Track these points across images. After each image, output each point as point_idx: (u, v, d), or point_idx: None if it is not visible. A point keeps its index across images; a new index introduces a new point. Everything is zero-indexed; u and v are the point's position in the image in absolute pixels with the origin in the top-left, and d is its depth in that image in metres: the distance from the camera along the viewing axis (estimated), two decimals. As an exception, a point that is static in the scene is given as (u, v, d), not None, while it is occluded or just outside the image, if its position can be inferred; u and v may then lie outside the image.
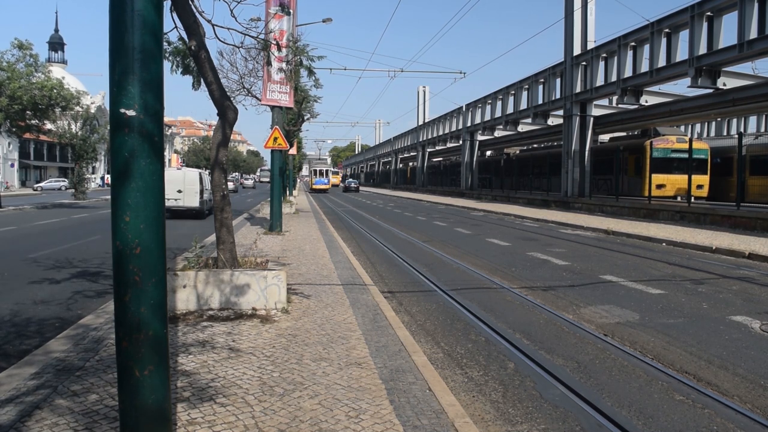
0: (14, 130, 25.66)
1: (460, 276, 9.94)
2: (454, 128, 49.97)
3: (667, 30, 22.15)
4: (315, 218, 21.85)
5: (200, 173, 22.73)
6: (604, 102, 29.56)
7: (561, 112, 30.28)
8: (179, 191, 21.55)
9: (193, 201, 21.72)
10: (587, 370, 5.15)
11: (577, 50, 28.13)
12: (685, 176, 20.17)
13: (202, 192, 21.96)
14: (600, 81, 26.59)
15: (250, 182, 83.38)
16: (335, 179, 76.44)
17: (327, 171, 64.64)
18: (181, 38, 6.67)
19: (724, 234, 15.47)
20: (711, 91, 21.72)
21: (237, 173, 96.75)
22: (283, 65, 12.52)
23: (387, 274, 10.15)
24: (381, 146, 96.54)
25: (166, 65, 7.63)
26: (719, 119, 38.37)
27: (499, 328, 6.47)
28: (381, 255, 12.61)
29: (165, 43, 7.20)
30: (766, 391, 4.66)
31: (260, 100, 14.19)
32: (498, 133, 41.56)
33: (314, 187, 62.19)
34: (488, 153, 49.15)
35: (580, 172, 28.30)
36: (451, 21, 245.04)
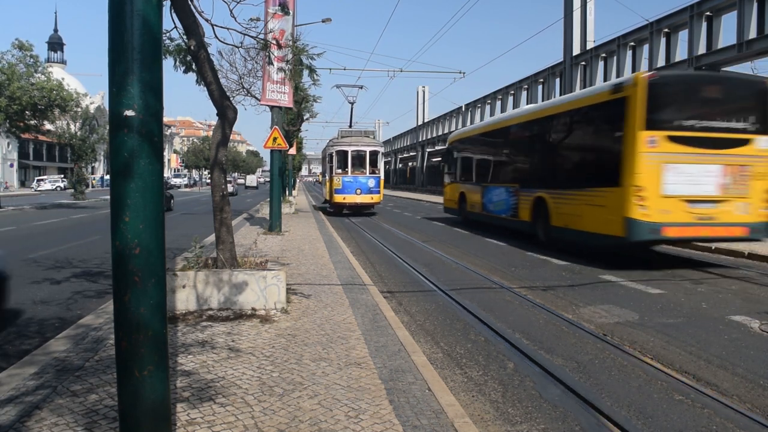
0: (13, 130, 25.67)
1: (459, 276, 9.94)
2: (453, 128, 50.01)
3: (666, 30, 22.18)
4: (314, 218, 21.84)
5: (256, 176, 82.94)
6: (604, 102, 29.52)
7: (560, 112, 30.22)
8: (251, 181, 78.90)
9: (254, 184, 76.55)
10: (587, 369, 5.16)
11: (576, 50, 28.16)
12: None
13: (256, 181, 77.79)
14: (599, 81, 26.62)
15: (262, 180, 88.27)
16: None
17: (375, 156, 24.81)
18: (182, 36, 6.69)
19: (724, 234, 15.45)
20: (710, 90, 21.73)
21: (236, 173, 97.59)
22: (283, 65, 12.51)
23: (386, 273, 10.16)
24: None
25: (169, 62, 7.65)
26: (718, 119, 38.40)
27: (499, 327, 6.47)
28: (380, 255, 12.61)
29: (167, 40, 7.21)
30: (766, 391, 4.66)
31: (259, 101, 14.18)
32: (498, 133, 41.48)
33: (338, 199, 24.27)
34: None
35: (579, 171, 28.20)
36: (451, 21, 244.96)
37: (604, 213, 10.81)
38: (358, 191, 23.92)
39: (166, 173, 74.27)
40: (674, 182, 10.02)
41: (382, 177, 25.42)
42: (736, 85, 11.47)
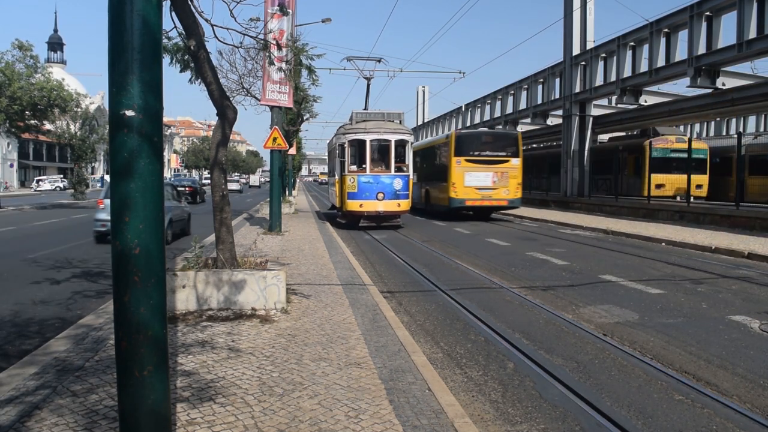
0: (13, 130, 25.68)
1: (459, 276, 9.94)
2: (453, 128, 49.92)
3: (666, 30, 22.14)
4: (314, 218, 21.84)
5: (258, 176, 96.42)
6: (604, 102, 29.55)
7: (560, 112, 30.27)
8: (255, 181, 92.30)
9: (257, 183, 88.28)
10: (586, 369, 5.16)
11: (576, 50, 28.10)
12: (685, 176, 20.17)
13: (258, 181, 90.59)
14: (599, 81, 26.57)
15: (262, 179, 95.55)
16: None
17: (402, 148, 18.43)
18: (181, 35, 6.69)
19: (724, 234, 15.48)
20: (710, 91, 21.71)
21: (236, 173, 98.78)
22: (283, 65, 12.51)
23: (386, 273, 10.15)
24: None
25: (166, 60, 7.66)
26: (718, 119, 38.37)
27: (499, 328, 6.48)
28: (380, 255, 12.61)
29: (165, 39, 7.22)
30: (765, 391, 4.66)
31: (259, 101, 14.18)
32: (497, 133, 41.48)
33: (352, 207, 17.80)
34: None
35: (579, 171, 28.30)
36: (451, 21, 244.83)
37: (443, 194, 22.41)
38: (380, 196, 17.62)
39: (166, 173, 74.31)
40: (470, 180, 21.36)
41: (412, 176, 18.88)
42: (502, 135, 24.42)
